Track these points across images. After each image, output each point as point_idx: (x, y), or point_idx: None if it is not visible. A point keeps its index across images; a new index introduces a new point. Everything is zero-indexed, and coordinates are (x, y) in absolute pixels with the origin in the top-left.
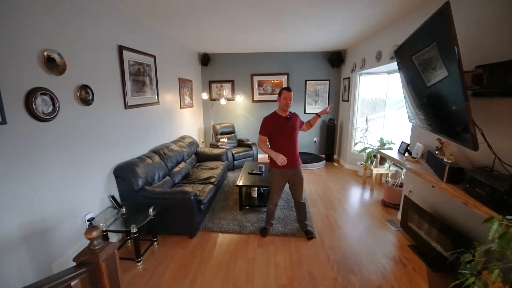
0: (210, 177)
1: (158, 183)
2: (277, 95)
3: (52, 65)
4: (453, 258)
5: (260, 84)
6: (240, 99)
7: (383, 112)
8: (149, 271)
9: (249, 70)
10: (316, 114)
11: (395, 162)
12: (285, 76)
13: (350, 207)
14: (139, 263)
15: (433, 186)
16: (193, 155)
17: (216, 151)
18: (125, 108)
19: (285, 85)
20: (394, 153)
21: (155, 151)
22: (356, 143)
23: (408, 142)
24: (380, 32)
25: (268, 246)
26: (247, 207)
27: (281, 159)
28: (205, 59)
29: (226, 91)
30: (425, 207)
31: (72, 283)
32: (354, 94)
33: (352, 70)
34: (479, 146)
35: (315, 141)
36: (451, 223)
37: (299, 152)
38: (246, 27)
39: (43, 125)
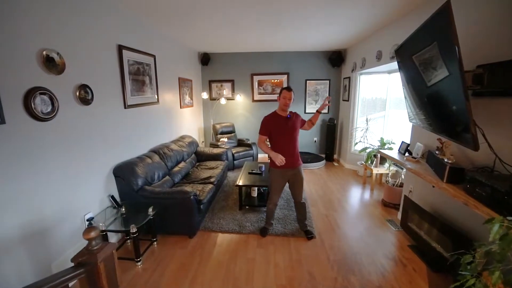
0: (210, 177)
1: (157, 182)
2: (278, 95)
3: (51, 64)
4: (453, 259)
5: (260, 83)
6: (240, 99)
7: (383, 112)
8: (148, 271)
9: (249, 70)
10: (316, 111)
11: (395, 162)
12: (285, 76)
13: (350, 207)
14: (139, 263)
15: (433, 186)
16: (193, 155)
17: (216, 150)
18: (125, 108)
19: (285, 85)
20: (394, 153)
21: (155, 151)
22: (356, 143)
23: (409, 142)
24: (381, 31)
25: (268, 246)
26: (247, 207)
27: (279, 159)
28: (205, 59)
29: (226, 91)
30: (425, 207)
31: (71, 284)
32: (354, 93)
33: (353, 70)
34: (479, 146)
35: (315, 141)
36: (452, 223)
37: (299, 152)
38: (246, 27)
39: (42, 125)
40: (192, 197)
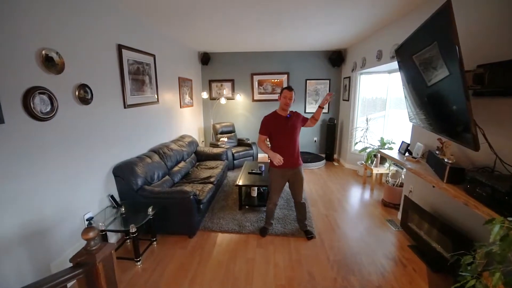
0: (209, 177)
1: (157, 182)
2: (278, 94)
3: (51, 64)
4: (454, 260)
5: (260, 83)
6: (240, 98)
7: (383, 112)
8: (148, 271)
9: (249, 69)
10: (319, 106)
11: (395, 162)
12: (285, 75)
13: (350, 207)
14: (138, 263)
15: (433, 186)
16: (193, 155)
17: (216, 150)
18: (125, 108)
19: (285, 85)
20: (394, 153)
21: (155, 151)
22: (357, 143)
23: (409, 142)
24: (381, 31)
25: (267, 246)
26: (247, 207)
27: (277, 160)
28: (205, 58)
29: (226, 90)
30: (426, 207)
31: (69, 284)
32: (354, 93)
33: (353, 70)
34: (480, 146)
35: (315, 141)
36: (452, 223)
37: (300, 152)
38: (246, 27)
39: (41, 125)
40: (191, 197)
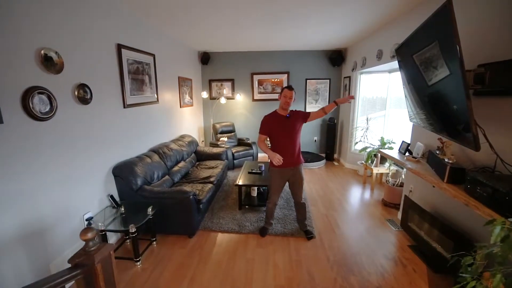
0: (209, 176)
1: (157, 182)
2: (278, 94)
3: (50, 63)
4: (454, 260)
5: (260, 83)
6: (240, 98)
7: (383, 111)
8: (148, 271)
9: (249, 69)
10: (334, 101)
11: (395, 162)
12: (286, 75)
13: (350, 207)
14: (138, 263)
15: (433, 186)
16: (193, 154)
17: (216, 150)
18: (124, 107)
19: (285, 84)
20: (394, 153)
21: (155, 150)
22: (357, 142)
23: (409, 142)
24: (381, 30)
25: (267, 246)
26: (247, 207)
27: (276, 159)
28: (205, 58)
29: (226, 90)
30: (426, 207)
31: (68, 285)
32: (354, 93)
33: (353, 69)
34: (480, 146)
35: (315, 140)
36: (452, 223)
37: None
38: (246, 26)
39: (41, 125)
40: (191, 196)
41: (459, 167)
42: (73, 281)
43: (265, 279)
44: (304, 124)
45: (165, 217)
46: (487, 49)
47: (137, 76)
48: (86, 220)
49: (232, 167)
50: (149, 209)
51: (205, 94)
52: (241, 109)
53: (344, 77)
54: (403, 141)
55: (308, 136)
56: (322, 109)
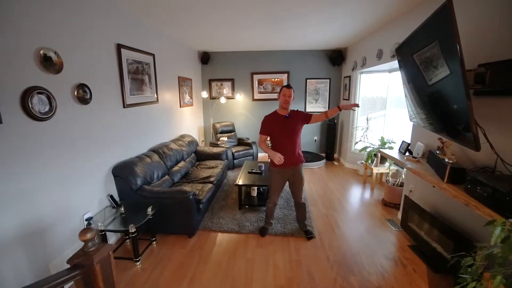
0: (209, 176)
1: (157, 182)
2: (278, 93)
3: (49, 63)
4: (454, 261)
5: (260, 82)
6: (240, 98)
7: (383, 111)
8: (147, 271)
9: (249, 69)
10: (338, 106)
11: (395, 162)
12: (286, 75)
13: (350, 207)
14: (138, 263)
15: (434, 186)
16: (193, 154)
17: (216, 150)
18: (124, 107)
19: (285, 84)
20: (394, 153)
21: (154, 150)
22: (357, 142)
23: (409, 142)
24: (381, 30)
25: (267, 246)
26: (247, 207)
27: (277, 158)
28: (205, 58)
29: (226, 90)
30: (426, 207)
31: (67, 286)
32: (354, 92)
33: (353, 69)
34: (480, 146)
35: (315, 140)
36: (452, 223)
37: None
38: (246, 26)
39: (40, 125)
40: (191, 196)
41: (459, 167)
42: (72, 282)
43: (265, 279)
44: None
45: (165, 217)
46: (487, 49)
47: (137, 76)
48: (86, 220)
49: (232, 167)
50: (149, 209)
51: (205, 94)
52: (241, 109)
53: (344, 77)
54: (403, 141)
55: (308, 135)
56: (325, 113)
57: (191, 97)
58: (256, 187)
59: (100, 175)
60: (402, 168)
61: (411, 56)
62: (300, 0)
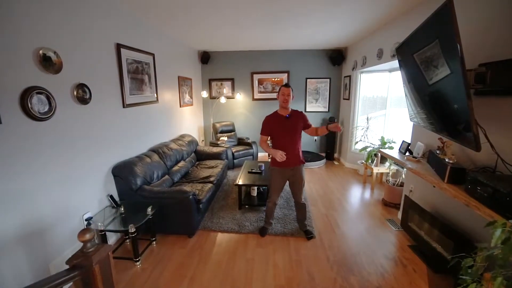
0: (209, 176)
1: (157, 182)
2: (277, 93)
3: (48, 63)
4: (454, 262)
5: (260, 82)
6: (240, 97)
7: (384, 111)
8: (147, 271)
9: (249, 68)
10: (326, 127)
11: (395, 162)
12: (286, 74)
13: (350, 207)
14: (138, 263)
15: (434, 186)
16: (193, 154)
17: (216, 149)
18: (124, 107)
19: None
20: (395, 152)
21: (154, 150)
22: (357, 142)
23: (409, 141)
24: (382, 29)
25: (267, 246)
26: (247, 206)
27: (279, 155)
28: (205, 57)
29: (226, 89)
30: (426, 207)
31: (66, 287)
32: (355, 92)
33: (353, 68)
34: (481, 146)
35: (315, 140)
36: (453, 223)
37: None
38: (247, 26)
39: (39, 125)
40: (191, 196)
41: (460, 167)
42: (71, 283)
43: (265, 279)
44: None
45: (165, 217)
46: (488, 49)
47: (137, 75)
48: (86, 220)
49: (232, 166)
50: (149, 209)
51: (205, 94)
52: (241, 108)
53: (345, 76)
54: (403, 141)
55: (309, 135)
56: (316, 129)
57: (191, 97)
58: (256, 187)
59: (100, 175)
60: (402, 168)
61: (411, 56)
62: (300, 0)
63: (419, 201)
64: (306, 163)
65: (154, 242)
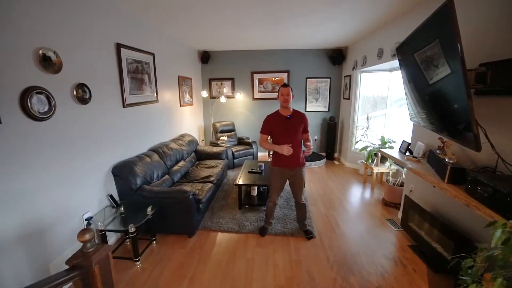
0: (209, 176)
1: (157, 182)
2: (277, 94)
3: (48, 63)
4: (454, 262)
5: (260, 81)
6: (240, 97)
7: (384, 110)
8: (147, 271)
9: (249, 68)
10: (306, 142)
11: (396, 161)
12: (286, 74)
13: (350, 206)
14: (138, 263)
15: (434, 186)
16: (193, 154)
17: (216, 149)
18: (123, 107)
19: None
20: (395, 152)
21: (154, 150)
22: (357, 142)
23: (410, 141)
24: (382, 29)
25: (267, 246)
26: (247, 206)
27: (285, 149)
28: (205, 57)
29: (226, 89)
30: (426, 207)
31: (65, 287)
32: (355, 92)
33: (353, 68)
34: (481, 146)
35: (315, 139)
36: (453, 223)
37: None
38: (247, 26)
39: (39, 125)
40: (191, 196)
41: (460, 167)
42: (71, 283)
43: (265, 279)
44: None
45: (165, 217)
46: (488, 48)
47: (137, 75)
48: (86, 220)
49: (232, 166)
50: (149, 209)
51: (205, 93)
52: (241, 108)
53: (345, 76)
54: (403, 141)
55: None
56: (306, 138)
57: (191, 97)
58: (256, 187)
59: (100, 175)
60: (403, 167)
61: (411, 55)
62: (300, 0)
63: (419, 201)
64: (306, 162)
65: (154, 242)
